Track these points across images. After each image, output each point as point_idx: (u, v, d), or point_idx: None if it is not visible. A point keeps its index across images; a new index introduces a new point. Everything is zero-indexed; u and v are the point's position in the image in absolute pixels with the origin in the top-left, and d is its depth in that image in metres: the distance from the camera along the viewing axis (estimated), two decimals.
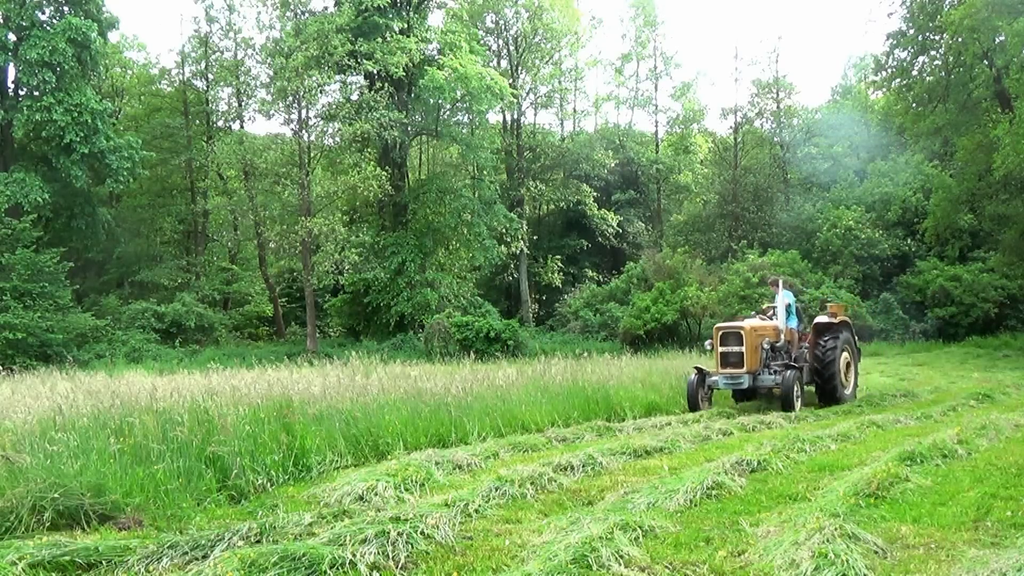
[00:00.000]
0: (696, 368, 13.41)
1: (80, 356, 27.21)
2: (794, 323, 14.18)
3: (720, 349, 13.25)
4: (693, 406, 12.86)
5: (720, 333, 13.40)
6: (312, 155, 35.38)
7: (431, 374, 12.77)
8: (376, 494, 6.56)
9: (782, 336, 13.68)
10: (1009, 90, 26.61)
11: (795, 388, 12.76)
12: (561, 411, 11.34)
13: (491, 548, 5.17)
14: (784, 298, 13.96)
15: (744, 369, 12.92)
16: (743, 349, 12.95)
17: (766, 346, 13.25)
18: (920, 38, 30.51)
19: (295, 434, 8.01)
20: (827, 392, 13.62)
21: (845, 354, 13.88)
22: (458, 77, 32.36)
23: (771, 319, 14.19)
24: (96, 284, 39.10)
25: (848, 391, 13.96)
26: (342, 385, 10.91)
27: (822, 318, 14.03)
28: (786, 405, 12.53)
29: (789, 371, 12.92)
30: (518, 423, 10.54)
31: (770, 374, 13.09)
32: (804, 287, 31.30)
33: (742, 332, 13.07)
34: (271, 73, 35.15)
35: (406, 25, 34.56)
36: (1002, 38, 25.86)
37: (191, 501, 6.42)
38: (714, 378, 13.22)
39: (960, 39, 26.93)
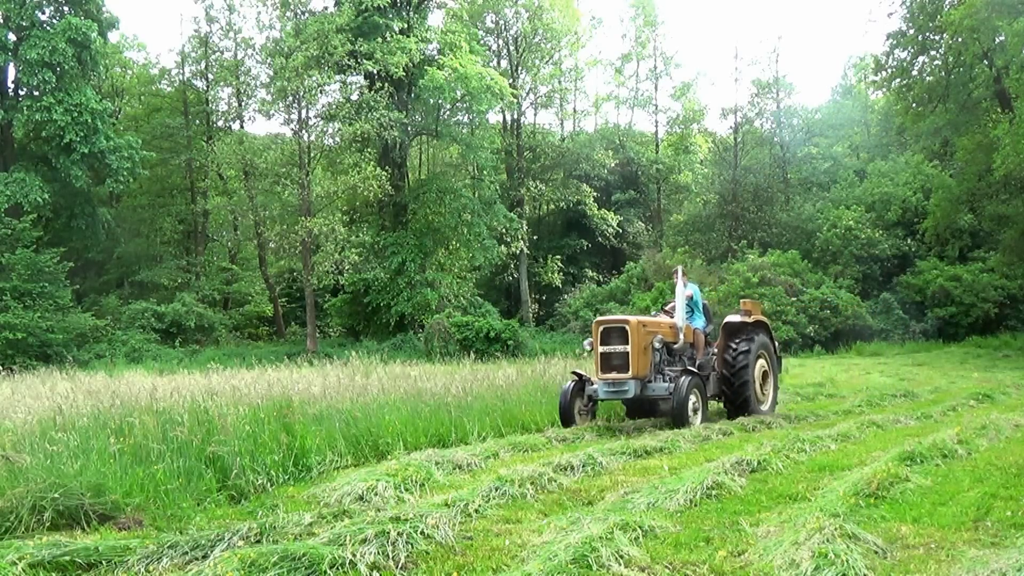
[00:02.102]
0: (575, 373, 11.01)
1: (80, 356, 27.23)
2: (700, 323, 11.73)
3: (600, 349, 10.53)
4: (567, 420, 10.35)
5: (601, 329, 10.64)
6: (312, 155, 35.37)
7: (431, 374, 12.77)
8: (376, 494, 6.55)
9: (681, 335, 11.14)
10: (1009, 90, 26.61)
11: (691, 399, 10.17)
12: None
13: (491, 548, 5.16)
14: (686, 291, 11.52)
15: (630, 374, 10.22)
16: (628, 349, 10.26)
17: (658, 346, 10.57)
18: (920, 38, 30.52)
19: (295, 434, 8.00)
20: (738, 406, 11.13)
21: (761, 361, 11.56)
22: (458, 77, 32.38)
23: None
24: (96, 284, 39.13)
25: (765, 406, 11.57)
26: (342, 385, 10.92)
27: (733, 317, 11.66)
28: (678, 421, 9.94)
29: (685, 377, 10.31)
30: (518, 423, 10.52)
31: (664, 381, 10.52)
32: (804, 287, 31.30)
33: (627, 327, 10.37)
34: (271, 73, 35.18)
35: (406, 25, 34.57)
36: (1002, 38, 25.86)
37: (191, 501, 6.41)
38: (594, 386, 10.65)
39: (960, 39, 26.94)
